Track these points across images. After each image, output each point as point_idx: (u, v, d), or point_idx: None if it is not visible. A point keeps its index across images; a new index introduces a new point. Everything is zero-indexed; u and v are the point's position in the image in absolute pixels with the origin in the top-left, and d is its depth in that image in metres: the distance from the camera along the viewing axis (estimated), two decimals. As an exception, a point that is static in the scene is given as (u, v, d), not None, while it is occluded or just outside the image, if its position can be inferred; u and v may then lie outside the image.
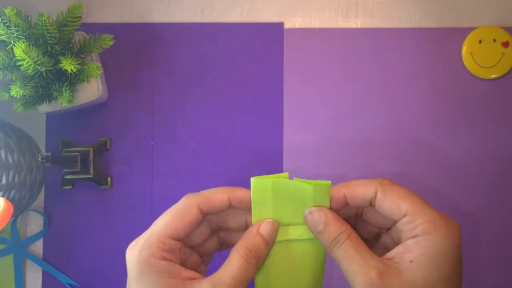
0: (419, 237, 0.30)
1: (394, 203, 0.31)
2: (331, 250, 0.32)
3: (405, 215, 0.31)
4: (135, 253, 0.31)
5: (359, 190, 0.32)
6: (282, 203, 0.33)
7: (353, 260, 0.30)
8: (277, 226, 0.33)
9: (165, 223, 0.32)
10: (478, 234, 0.57)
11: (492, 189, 0.57)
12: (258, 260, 0.32)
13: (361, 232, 0.35)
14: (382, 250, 0.33)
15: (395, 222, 0.32)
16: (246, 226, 0.34)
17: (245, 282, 0.31)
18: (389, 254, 0.31)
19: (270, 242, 0.32)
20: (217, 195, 0.33)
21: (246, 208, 0.33)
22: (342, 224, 0.32)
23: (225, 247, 0.36)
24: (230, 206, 0.33)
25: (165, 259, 0.31)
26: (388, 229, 0.33)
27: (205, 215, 0.33)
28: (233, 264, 0.31)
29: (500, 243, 0.57)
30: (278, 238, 0.33)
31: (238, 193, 0.33)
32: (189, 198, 0.33)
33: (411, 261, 0.30)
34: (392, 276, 0.29)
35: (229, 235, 0.36)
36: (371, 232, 0.35)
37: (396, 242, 0.32)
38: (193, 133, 0.60)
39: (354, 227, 0.34)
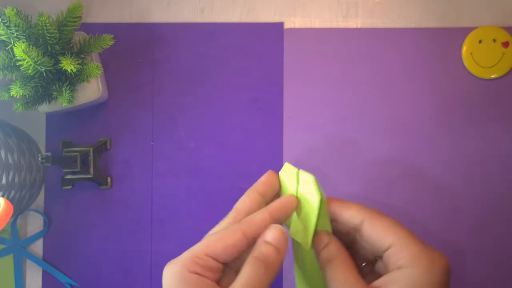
0: (403, 269, 0.31)
1: (379, 234, 0.32)
2: (324, 269, 0.33)
3: (389, 247, 0.32)
4: (171, 266, 0.31)
5: (347, 214, 0.34)
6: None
7: (339, 282, 0.32)
8: (284, 230, 0.33)
9: (206, 242, 0.32)
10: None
11: (492, 187, 0.57)
12: (268, 265, 0.32)
13: (360, 257, 0.36)
14: (377, 277, 0.34)
15: (383, 252, 0.33)
16: None
17: None
18: (377, 282, 0.32)
19: (279, 246, 0.33)
20: (258, 216, 0.33)
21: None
22: (340, 248, 0.33)
23: None
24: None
25: (197, 273, 0.31)
26: (380, 257, 0.34)
27: (251, 240, 0.33)
28: (243, 274, 0.31)
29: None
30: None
31: (275, 206, 0.34)
32: (235, 225, 0.33)
33: None
34: None
35: None
36: (367, 258, 0.35)
37: (388, 271, 0.33)
38: (193, 133, 0.60)
39: (354, 252, 0.35)
